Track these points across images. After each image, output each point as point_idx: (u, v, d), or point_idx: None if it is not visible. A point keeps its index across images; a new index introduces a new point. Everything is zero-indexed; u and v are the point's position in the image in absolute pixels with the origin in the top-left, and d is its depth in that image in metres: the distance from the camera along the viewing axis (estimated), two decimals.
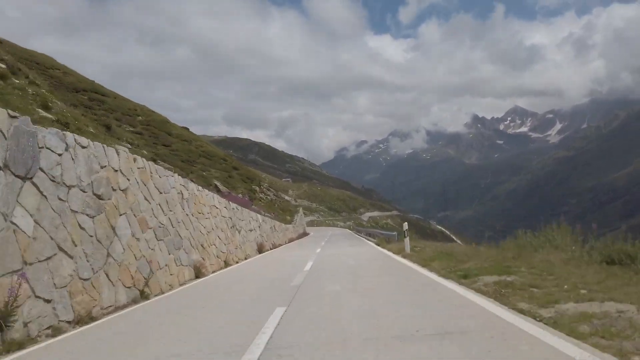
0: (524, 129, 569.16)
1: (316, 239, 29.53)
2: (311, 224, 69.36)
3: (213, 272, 11.74)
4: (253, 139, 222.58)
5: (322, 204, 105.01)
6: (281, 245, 24.86)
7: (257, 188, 25.99)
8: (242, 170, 27.13)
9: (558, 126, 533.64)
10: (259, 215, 21.22)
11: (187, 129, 28.46)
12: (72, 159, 6.14)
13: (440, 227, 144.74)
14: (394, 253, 13.34)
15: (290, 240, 28.46)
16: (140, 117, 22.13)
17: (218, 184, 16.83)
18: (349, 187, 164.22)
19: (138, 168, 8.40)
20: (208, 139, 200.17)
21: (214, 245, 12.72)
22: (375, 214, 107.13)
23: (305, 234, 35.94)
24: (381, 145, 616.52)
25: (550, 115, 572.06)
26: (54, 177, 5.65)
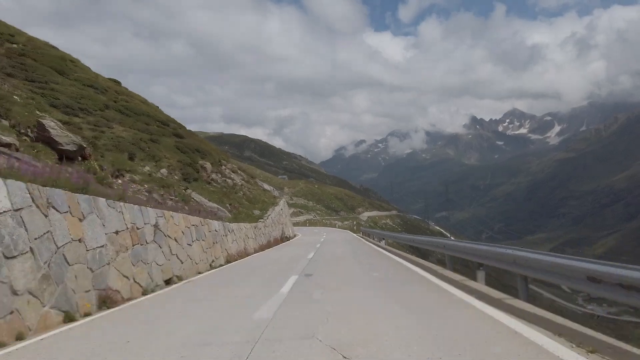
0: (523, 130, 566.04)
1: (292, 253, 16.29)
2: (306, 223, 63.13)
3: None
4: (250, 137, 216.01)
5: (319, 203, 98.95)
6: (170, 285, 9.22)
7: (208, 166, 17.22)
8: (191, 141, 18.85)
9: (557, 128, 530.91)
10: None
11: (118, 83, 20.92)
12: None
13: (438, 228, 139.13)
14: None
15: (233, 258, 14.21)
16: (15, 45, 15.47)
17: (51, 122, 8.49)
18: (347, 186, 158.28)
19: None
20: (204, 135, 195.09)
21: None
22: (374, 213, 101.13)
23: (284, 239, 24.32)
24: (380, 145, 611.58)
25: (549, 118, 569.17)
26: None
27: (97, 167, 8.90)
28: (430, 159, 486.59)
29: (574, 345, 3.82)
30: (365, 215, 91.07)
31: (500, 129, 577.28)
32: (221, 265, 12.78)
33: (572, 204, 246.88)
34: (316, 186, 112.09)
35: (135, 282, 7.89)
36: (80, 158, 8.67)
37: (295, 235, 31.19)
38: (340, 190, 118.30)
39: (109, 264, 7.11)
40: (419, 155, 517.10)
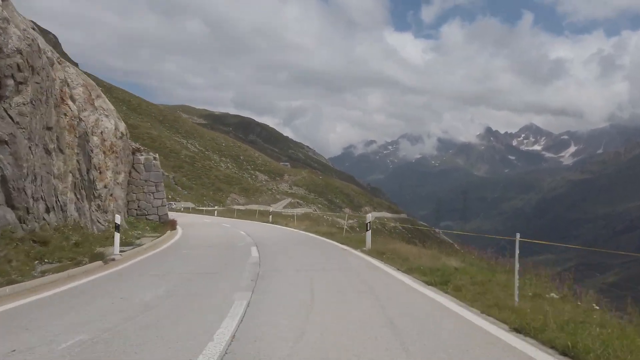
0: (537, 147, 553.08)
1: None
2: (303, 218, 53.03)
3: None
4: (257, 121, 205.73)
5: (321, 196, 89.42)
6: None
7: None
8: None
9: (572, 148, 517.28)
10: None
11: None
12: None
13: (445, 237, 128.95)
14: None
15: None
16: None
17: None
18: (355, 183, 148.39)
19: None
20: (207, 113, 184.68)
21: None
22: (382, 214, 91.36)
23: None
24: (390, 147, 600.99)
25: (566, 137, 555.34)
26: None
27: None
28: (440, 166, 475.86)
29: None
30: (373, 215, 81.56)
31: (514, 143, 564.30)
32: None
33: (586, 227, 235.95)
34: (320, 177, 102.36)
35: None
36: None
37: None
38: (346, 185, 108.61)
39: None
40: (428, 162, 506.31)
